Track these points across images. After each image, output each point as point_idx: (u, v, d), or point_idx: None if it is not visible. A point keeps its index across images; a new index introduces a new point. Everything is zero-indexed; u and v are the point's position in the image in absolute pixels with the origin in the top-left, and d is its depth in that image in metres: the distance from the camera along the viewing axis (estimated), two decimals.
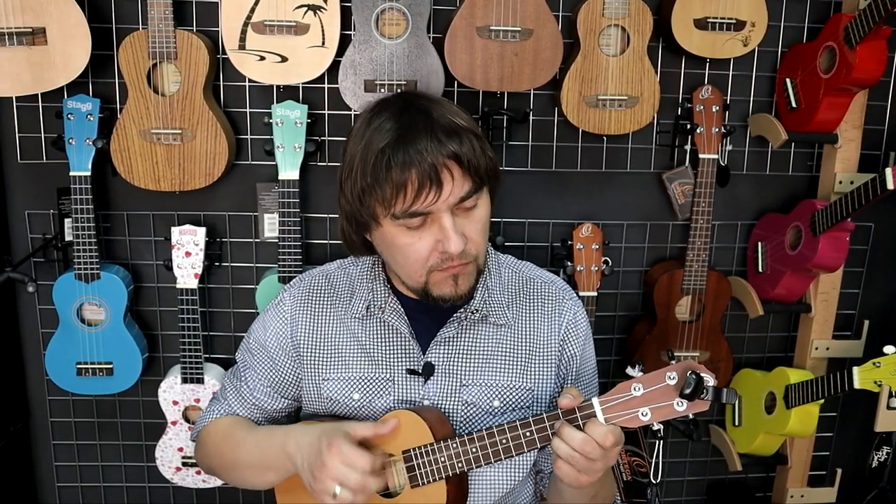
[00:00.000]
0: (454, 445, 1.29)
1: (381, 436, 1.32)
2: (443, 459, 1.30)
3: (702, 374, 1.13)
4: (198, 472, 2.02)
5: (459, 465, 1.29)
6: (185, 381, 1.95)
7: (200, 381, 1.95)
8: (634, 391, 1.17)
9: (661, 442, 1.18)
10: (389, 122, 1.28)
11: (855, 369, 1.79)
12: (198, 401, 1.97)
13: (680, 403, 1.15)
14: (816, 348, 2.12)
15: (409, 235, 1.29)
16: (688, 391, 1.11)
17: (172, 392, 1.97)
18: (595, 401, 1.20)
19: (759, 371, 2.16)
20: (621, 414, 1.18)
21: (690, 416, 1.16)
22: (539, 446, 1.25)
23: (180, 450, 2.00)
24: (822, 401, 1.94)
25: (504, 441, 1.27)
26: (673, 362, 1.17)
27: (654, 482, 1.24)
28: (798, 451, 2.18)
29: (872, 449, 2.14)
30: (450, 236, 1.26)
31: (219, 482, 2.04)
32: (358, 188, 1.29)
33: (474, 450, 1.28)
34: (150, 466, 2.11)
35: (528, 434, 1.25)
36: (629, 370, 1.19)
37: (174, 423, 1.99)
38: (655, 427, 1.18)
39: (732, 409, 2.20)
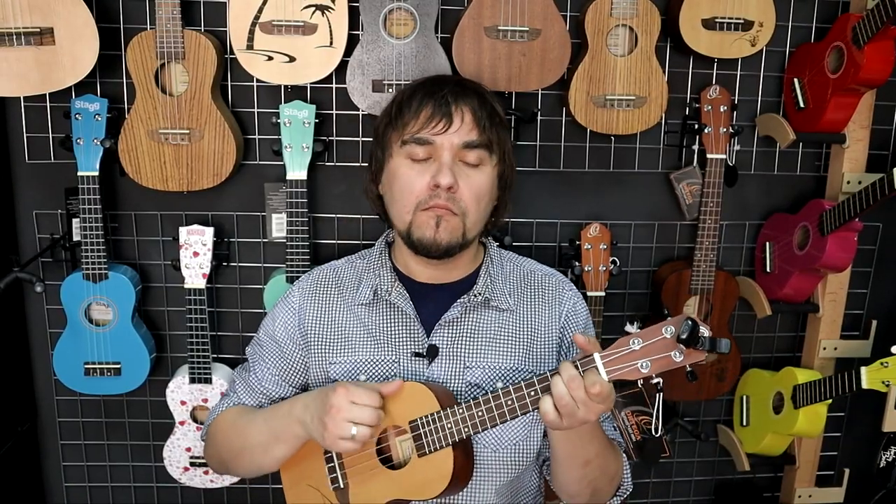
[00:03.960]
0: (460, 411, 1.32)
1: (385, 395, 1.34)
2: (449, 426, 1.32)
3: (698, 323, 1.16)
4: (206, 472, 2.02)
5: (466, 429, 1.32)
6: (192, 381, 1.96)
7: (208, 381, 1.95)
8: (633, 345, 1.20)
9: (661, 395, 1.22)
10: (427, 79, 1.50)
11: (863, 369, 1.80)
12: (206, 401, 1.97)
13: (677, 354, 1.17)
14: (824, 348, 2.12)
15: (411, 167, 1.40)
16: (684, 336, 1.14)
17: (180, 392, 1.97)
18: (596, 355, 1.22)
19: (766, 371, 2.15)
20: (622, 367, 1.20)
21: (688, 367, 1.18)
22: None
23: (188, 450, 2.00)
24: (830, 401, 1.94)
25: (509, 402, 1.29)
26: (669, 318, 1.19)
27: (655, 436, 1.27)
28: (806, 451, 2.18)
29: (880, 449, 2.14)
30: (443, 170, 1.37)
31: (227, 482, 2.04)
32: (383, 123, 1.45)
33: (480, 413, 1.30)
34: (157, 466, 2.11)
35: (532, 394, 1.27)
36: (628, 326, 1.22)
37: (182, 423, 1.99)
38: (655, 379, 1.20)
39: (740, 409, 2.20)
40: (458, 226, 1.40)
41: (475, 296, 1.46)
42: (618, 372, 1.21)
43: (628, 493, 1.52)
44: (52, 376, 2.05)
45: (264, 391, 1.56)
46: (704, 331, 1.15)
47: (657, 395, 1.23)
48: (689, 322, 1.14)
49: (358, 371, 1.47)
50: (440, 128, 1.37)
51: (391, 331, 1.47)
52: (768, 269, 2.11)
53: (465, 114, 1.39)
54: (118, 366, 1.94)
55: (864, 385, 1.79)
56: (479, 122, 1.40)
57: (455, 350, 1.45)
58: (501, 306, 1.48)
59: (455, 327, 1.46)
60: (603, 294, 1.96)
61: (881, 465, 2.14)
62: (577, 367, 1.22)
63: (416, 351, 1.45)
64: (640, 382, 1.21)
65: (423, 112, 1.38)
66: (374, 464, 1.38)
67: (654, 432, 1.26)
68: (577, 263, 1.96)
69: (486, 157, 1.42)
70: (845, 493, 2.22)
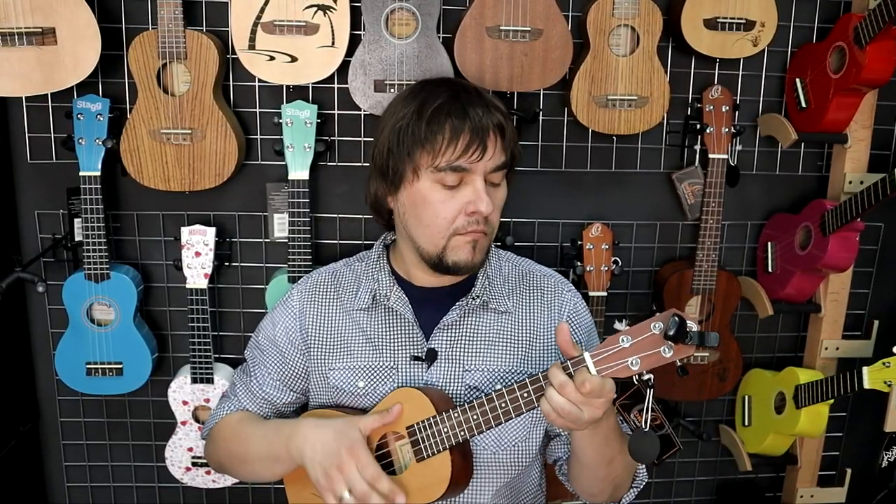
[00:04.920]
0: (456, 415, 1.33)
1: (388, 424, 1.37)
2: (446, 430, 1.34)
3: (685, 318, 1.16)
4: (207, 472, 2.02)
5: (462, 433, 1.33)
6: (194, 381, 1.95)
7: (210, 381, 1.95)
8: (623, 342, 1.20)
9: (652, 390, 1.24)
10: (443, 88, 1.40)
11: (864, 369, 1.79)
12: (207, 401, 1.97)
13: (666, 350, 1.18)
14: (826, 348, 2.12)
15: (443, 193, 1.36)
16: (672, 332, 1.15)
17: (182, 392, 1.97)
18: (586, 354, 1.22)
19: (768, 371, 2.15)
20: (612, 365, 1.21)
21: (678, 362, 1.19)
22: (537, 406, 1.28)
23: (190, 450, 2.00)
24: (832, 401, 1.94)
25: (503, 405, 1.30)
26: (658, 313, 1.20)
27: (645, 430, 1.27)
28: (808, 451, 2.18)
29: (882, 449, 2.14)
30: (482, 197, 1.35)
31: (229, 482, 2.04)
32: (409, 139, 1.36)
33: (475, 416, 1.32)
34: (159, 466, 2.11)
35: (525, 395, 1.29)
36: (617, 324, 1.23)
37: (184, 423, 1.99)
38: (646, 376, 1.21)
39: (742, 409, 2.20)
40: (487, 244, 1.44)
41: (473, 298, 1.46)
42: (608, 370, 1.21)
43: (644, 482, 1.53)
44: (53, 376, 2.05)
45: (266, 396, 1.56)
46: (692, 325, 1.16)
47: (648, 390, 1.24)
48: (677, 318, 1.15)
49: (357, 377, 1.47)
50: (476, 156, 1.34)
51: (390, 336, 1.47)
52: (770, 269, 2.11)
53: (497, 139, 1.37)
54: (120, 366, 1.94)
55: (866, 385, 1.79)
56: (507, 144, 1.39)
57: (454, 353, 1.45)
58: (500, 309, 1.48)
59: (453, 331, 1.46)
60: (605, 294, 1.96)
61: (883, 464, 2.14)
62: (566, 368, 1.23)
63: (415, 355, 1.45)
64: (634, 378, 1.22)
65: (462, 139, 1.33)
66: None
67: (644, 426, 1.26)
68: (578, 263, 1.96)
69: (506, 174, 1.43)
70: (847, 493, 2.22)
